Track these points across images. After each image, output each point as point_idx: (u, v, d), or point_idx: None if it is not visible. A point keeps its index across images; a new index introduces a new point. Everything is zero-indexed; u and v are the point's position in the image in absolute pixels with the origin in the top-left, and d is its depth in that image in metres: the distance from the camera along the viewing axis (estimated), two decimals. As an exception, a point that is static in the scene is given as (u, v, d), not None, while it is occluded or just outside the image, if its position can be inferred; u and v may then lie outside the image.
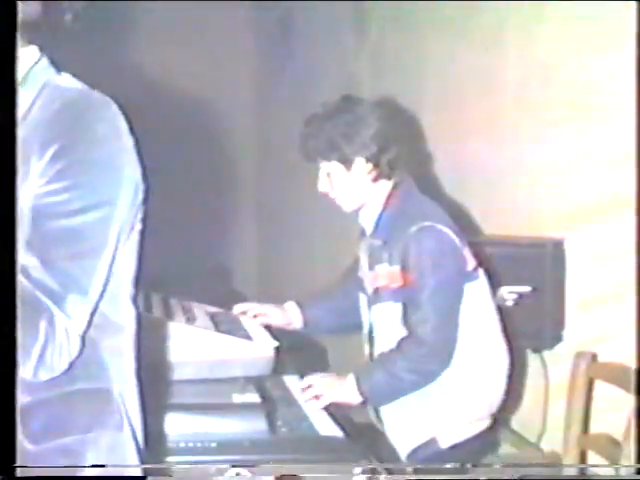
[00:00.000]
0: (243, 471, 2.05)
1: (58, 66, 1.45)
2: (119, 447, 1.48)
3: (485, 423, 2.60)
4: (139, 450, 1.51)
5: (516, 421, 3.19)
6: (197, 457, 2.10)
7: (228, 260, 6.06)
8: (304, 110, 2.71)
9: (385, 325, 2.58)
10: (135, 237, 1.48)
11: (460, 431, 2.55)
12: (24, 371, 1.35)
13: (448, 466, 2.20)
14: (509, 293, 2.95)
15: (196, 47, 5.76)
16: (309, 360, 3.01)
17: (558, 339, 3.00)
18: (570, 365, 2.69)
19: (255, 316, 2.76)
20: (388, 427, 2.62)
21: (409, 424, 2.56)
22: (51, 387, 1.40)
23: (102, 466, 1.44)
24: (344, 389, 2.50)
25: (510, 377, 2.62)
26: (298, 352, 2.99)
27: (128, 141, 1.41)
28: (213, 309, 2.74)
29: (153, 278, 2.13)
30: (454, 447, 2.53)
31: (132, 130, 1.41)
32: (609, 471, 2.56)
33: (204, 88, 5.66)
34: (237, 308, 2.79)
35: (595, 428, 2.71)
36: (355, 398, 2.51)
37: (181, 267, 5.29)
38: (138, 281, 1.51)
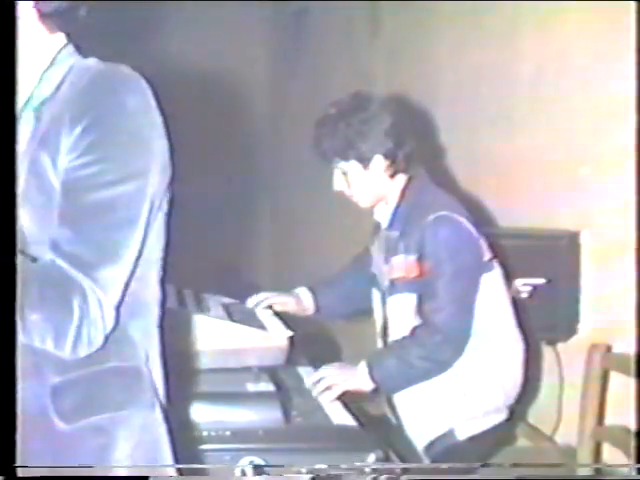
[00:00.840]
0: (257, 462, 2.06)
1: (84, 53, 1.48)
2: (151, 426, 1.48)
3: (502, 415, 2.59)
4: (170, 431, 1.50)
5: (531, 414, 3.17)
6: (211, 446, 2.09)
7: (242, 254, 6.06)
8: (319, 105, 2.71)
9: (400, 318, 2.58)
10: (163, 217, 1.49)
11: (477, 423, 2.54)
12: (62, 350, 1.35)
13: (446, 466, 2.19)
14: (524, 285, 2.94)
15: (209, 43, 5.76)
16: (322, 351, 3.00)
17: (573, 331, 2.99)
18: (585, 357, 2.67)
19: (270, 306, 2.76)
20: (405, 419, 2.61)
21: (426, 416, 2.55)
22: (83, 365, 1.40)
23: (91, 466, 1.43)
24: (356, 377, 2.49)
25: (526, 369, 2.62)
26: (311, 343, 2.98)
27: (157, 117, 1.41)
28: (227, 300, 2.74)
29: (167, 270, 2.14)
30: (472, 439, 2.53)
31: (160, 107, 1.42)
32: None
33: (218, 84, 5.66)
34: (251, 300, 2.79)
35: (610, 420, 2.70)
36: (367, 385, 2.50)
37: (195, 260, 5.29)
38: (166, 265, 1.51)
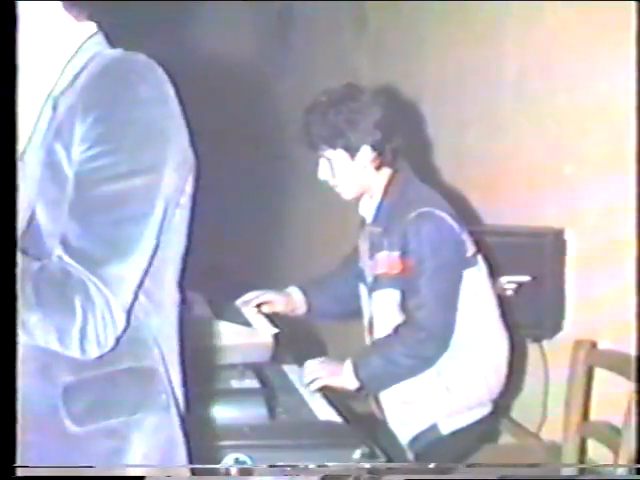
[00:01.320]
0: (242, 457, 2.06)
1: (113, 43, 1.43)
2: (165, 428, 1.43)
3: (486, 409, 2.60)
4: (185, 432, 1.45)
5: (516, 411, 3.18)
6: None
7: (227, 253, 6.05)
8: (304, 102, 2.70)
9: (384, 313, 2.58)
10: (184, 214, 1.42)
11: (461, 417, 2.55)
12: (69, 351, 1.31)
13: (431, 466, 2.19)
14: (509, 282, 2.95)
15: (194, 42, 5.74)
16: (308, 350, 2.99)
17: (558, 328, 3.00)
18: (570, 353, 2.68)
19: (259, 305, 2.75)
20: (389, 414, 2.61)
21: (410, 411, 2.56)
22: (96, 367, 1.35)
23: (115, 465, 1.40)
24: (341, 375, 2.50)
25: (510, 364, 2.62)
26: (297, 342, 2.98)
27: (175, 107, 1.36)
28: (212, 298, 2.73)
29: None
30: (455, 433, 2.54)
31: (180, 97, 1.36)
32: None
33: (202, 84, 5.63)
34: (241, 299, 2.77)
35: (595, 416, 2.71)
36: (352, 384, 2.50)
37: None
38: (185, 265, 1.44)
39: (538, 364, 3.06)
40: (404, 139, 2.61)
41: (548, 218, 3.08)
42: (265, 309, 2.75)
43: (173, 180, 1.36)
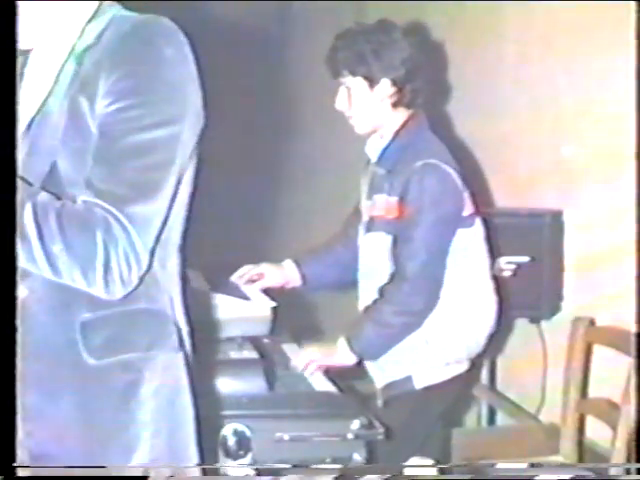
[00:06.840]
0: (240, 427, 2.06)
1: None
2: (173, 368, 1.51)
3: (462, 367, 2.57)
4: (190, 373, 1.53)
5: (515, 393, 3.18)
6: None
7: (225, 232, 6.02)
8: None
9: (374, 257, 2.57)
10: (188, 180, 1.50)
11: (436, 373, 2.52)
12: (94, 287, 1.38)
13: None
14: (507, 263, 2.94)
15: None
16: (306, 329, 2.98)
17: (556, 310, 3.00)
18: (568, 331, 2.68)
19: (252, 280, 2.74)
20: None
21: (387, 358, 2.53)
22: (113, 305, 1.43)
23: (101, 466, 1.43)
24: (337, 354, 2.48)
25: (496, 324, 2.59)
26: (294, 318, 2.95)
27: (193, 69, 1.46)
28: (208, 274, 2.72)
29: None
30: (428, 389, 2.51)
31: (197, 60, 1.46)
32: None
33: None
34: (235, 274, 2.77)
35: (593, 393, 2.71)
36: (349, 359, 2.48)
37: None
38: (191, 210, 1.53)
39: (537, 346, 3.06)
40: (427, 83, 2.58)
41: (547, 199, 3.08)
42: (259, 282, 2.73)
43: (189, 136, 1.46)
